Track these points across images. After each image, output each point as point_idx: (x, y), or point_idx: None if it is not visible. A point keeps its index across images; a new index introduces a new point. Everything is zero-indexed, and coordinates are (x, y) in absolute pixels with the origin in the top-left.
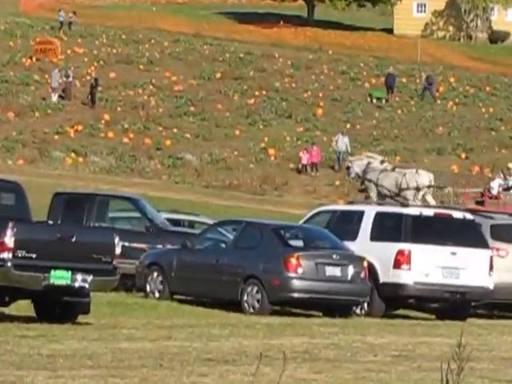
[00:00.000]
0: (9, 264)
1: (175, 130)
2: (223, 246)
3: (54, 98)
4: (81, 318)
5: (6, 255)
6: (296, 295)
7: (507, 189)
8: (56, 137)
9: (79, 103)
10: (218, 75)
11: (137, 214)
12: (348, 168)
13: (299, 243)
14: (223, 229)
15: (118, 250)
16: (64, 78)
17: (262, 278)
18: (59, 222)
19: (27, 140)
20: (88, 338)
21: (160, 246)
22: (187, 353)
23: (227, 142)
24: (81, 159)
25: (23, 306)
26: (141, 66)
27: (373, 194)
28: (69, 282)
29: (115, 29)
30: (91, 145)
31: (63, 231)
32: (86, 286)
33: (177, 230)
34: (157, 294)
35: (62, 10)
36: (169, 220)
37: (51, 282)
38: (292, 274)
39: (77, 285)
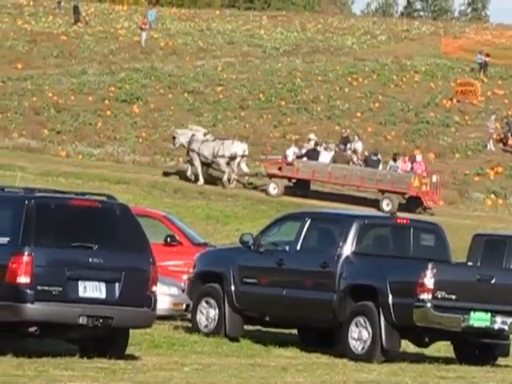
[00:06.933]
0: (428, 305)
1: None
2: None
3: (490, 145)
4: (500, 361)
5: (426, 296)
6: None
7: (300, 156)
8: (476, 178)
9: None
10: None
11: None
12: (174, 138)
13: None
14: None
15: None
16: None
17: None
18: (478, 263)
19: (447, 181)
20: (507, 380)
21: None
22: None
23: None
24: (500, 201)
25: (442, 348)
26: None
27: (196, 163)
28: (488, 324)
29: None
30: (511, 186)
31: (483, 273)
32: (506, 328)
33: None
34: None
35: (482, 51)
36: None
37: (471, 323)
38: None
39: (496, 327)
